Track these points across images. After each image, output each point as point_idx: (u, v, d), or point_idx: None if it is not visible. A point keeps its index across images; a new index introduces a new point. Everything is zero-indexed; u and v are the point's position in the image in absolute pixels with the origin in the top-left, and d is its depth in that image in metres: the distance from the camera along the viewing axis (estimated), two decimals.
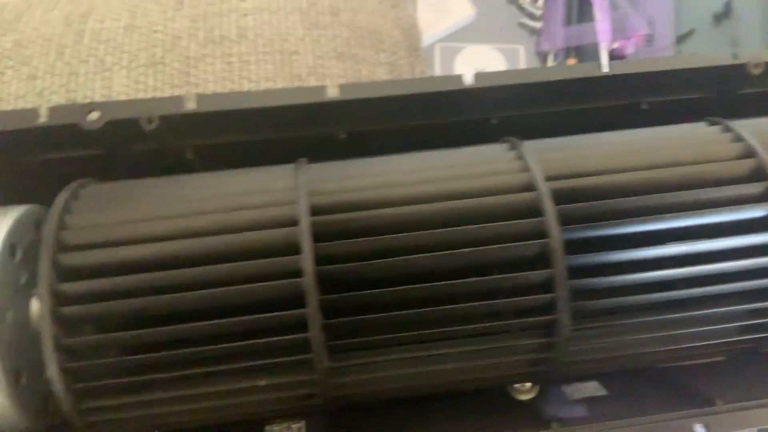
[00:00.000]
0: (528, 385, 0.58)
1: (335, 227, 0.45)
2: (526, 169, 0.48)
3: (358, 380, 0.47)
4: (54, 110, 0.53)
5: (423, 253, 0.45)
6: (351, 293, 0.44)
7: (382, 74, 0.78)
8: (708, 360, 0.58)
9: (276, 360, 0.45)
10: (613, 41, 1.07)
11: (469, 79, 0.54)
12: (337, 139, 0.57)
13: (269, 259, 0.44)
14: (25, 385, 0.47)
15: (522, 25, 1.13)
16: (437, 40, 1.09)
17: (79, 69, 0.73)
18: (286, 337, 0.44)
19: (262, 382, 0.46)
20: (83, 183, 0.50)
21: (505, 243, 0.45)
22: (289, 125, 0.56)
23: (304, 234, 0.44)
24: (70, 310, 0.43)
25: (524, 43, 1.10)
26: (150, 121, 0.52)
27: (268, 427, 0.61)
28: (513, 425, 0.55)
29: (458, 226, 0.45)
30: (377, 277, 0.45)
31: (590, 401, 0.59)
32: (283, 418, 0.53)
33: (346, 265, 0.44)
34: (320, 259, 0.44)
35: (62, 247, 0.45)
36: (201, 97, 0.53)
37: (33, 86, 0.73)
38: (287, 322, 0.44)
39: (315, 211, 0.45)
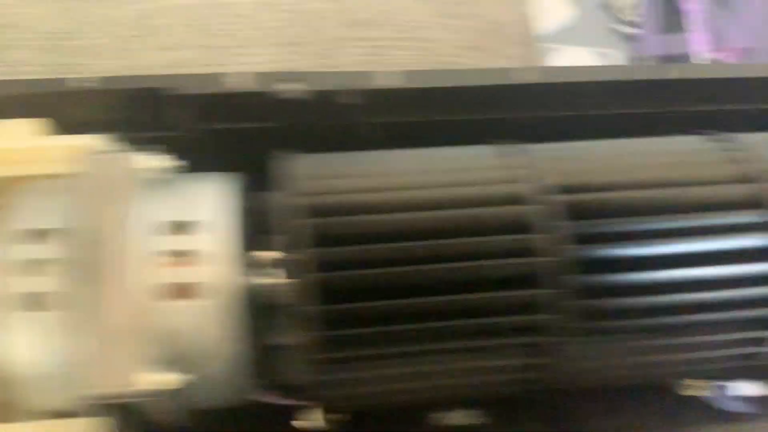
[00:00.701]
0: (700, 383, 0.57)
1: (580, 207, 0.44)
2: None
3: (591, 367, 0.45)
4: (240, 76, 0.50)
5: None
6: (610, 274, 0.43)
7: None
8: None
9: (516, 340, 0.43)
10: (710, 52, 1.07)
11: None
12: (525, 123, 0.56)
13: (514, 236, 0.42)
14: (246, 353, 0.44)
15: (617, 31, 1.13)
16: None
17: (211, 42, 0.71)
18: (535, 316, 0.42)
19: (494, 363, 0.44)
20: (293, 153, 0.48)
21: None
22: (488, 106, 0.54)
23: (538, 212, 0.43)
24: (310, 277, 0.41)
25: (619, 49, 1.11)
26: (348, 94, 0.50)
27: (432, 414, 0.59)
28: (687, 420, 0.55)
29: None
30: (621, 260, 0.44)
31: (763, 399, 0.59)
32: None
33: (597, 245, 0.43)
34: (564, 240, 0.42)
35: (298, 213, 0.42)
36: (409, 74, 0.51)
37: (163, 57, 0.70)
38: (533, 301, 0.42)
39: (547, 190, 0.44)
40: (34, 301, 0.41)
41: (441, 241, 0.42)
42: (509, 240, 0.43)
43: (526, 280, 0.43)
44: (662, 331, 0.45)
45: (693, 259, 0.44)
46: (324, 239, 0.41)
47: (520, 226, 0.43)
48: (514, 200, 0.44)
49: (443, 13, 0.75)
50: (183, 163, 0.47)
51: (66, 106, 0.50)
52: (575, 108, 0.55)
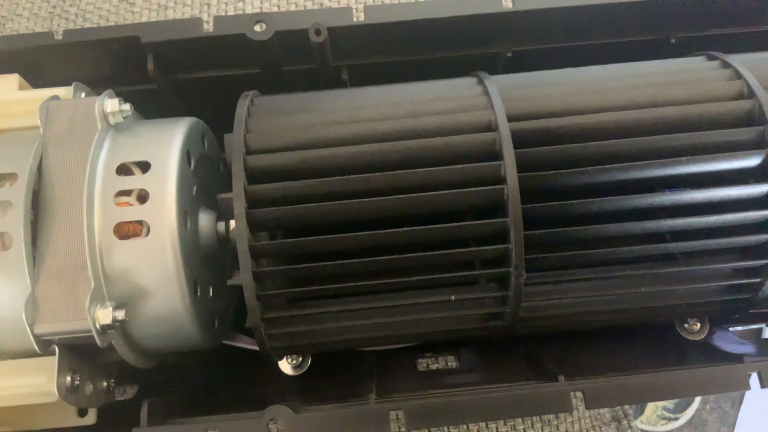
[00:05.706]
0: (697, 325, 0.55)
1: (533, 134, 0.42)
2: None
3: (549, 304, 0.44)
4: (220, 20, 0.51)
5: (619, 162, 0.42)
6: (557, 203, 0.41)
7: None
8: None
9: (470, 273, 0.43)
10: None
11: None
12: (501, 58, 0.55)
13: (469, 165, 0.42)
14: (199, 298, 0.46)
15: None
16: None
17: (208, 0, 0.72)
18: (485, 247, 0.42)
19: (452, 297, 0.43)
20: (256, 93, 0.48)
21: None
22: (454, 42, 0.53)
23: (504, 140, 0.42)
24: (260, 212, 0.41)
25: None
26: (318, 32, 0.50)
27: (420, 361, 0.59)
28: (687, 361, 0.53)
29: None
30: (577, 188, 0.42)
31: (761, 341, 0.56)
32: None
33: (552, 172, 0.41)
34: (519, 167, 0.41)
35: (250, 150, 0.43)
36: (369, 9, 0.51)
37: (164, 17, 0.72)
38: (484, 232, 0.42)
39: (511, 117, 0.43)
40: None
41: (403, 171, 0.42)
42: (480, 168, 0.42)
43: (494, 209, 0.42)
44: (610, 263, 0.44)
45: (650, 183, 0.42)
46: (264, 176, 0.42)
47: (491, 154, 0.42)
48: (485, 128, 0.43)
49: None
50: (149, 109, 0.48)
51: (46, 61, 0.51)
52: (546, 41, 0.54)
